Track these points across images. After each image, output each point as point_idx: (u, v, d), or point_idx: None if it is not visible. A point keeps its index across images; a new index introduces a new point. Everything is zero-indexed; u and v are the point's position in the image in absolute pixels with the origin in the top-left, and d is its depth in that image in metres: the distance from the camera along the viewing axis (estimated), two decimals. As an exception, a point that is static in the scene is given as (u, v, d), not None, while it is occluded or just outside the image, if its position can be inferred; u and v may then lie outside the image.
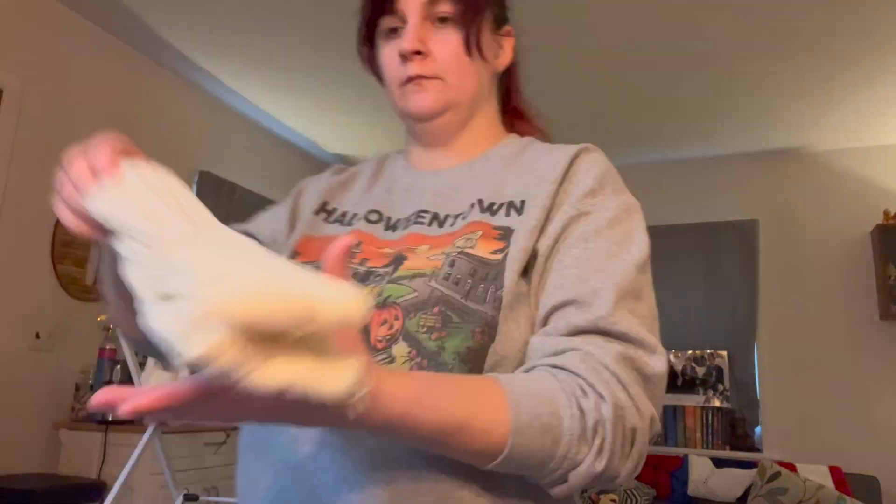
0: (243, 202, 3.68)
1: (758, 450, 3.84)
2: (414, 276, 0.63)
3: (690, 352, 4.06)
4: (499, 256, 0.64)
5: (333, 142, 4.19)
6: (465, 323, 0.60)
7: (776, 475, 3.37)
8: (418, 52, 0.71)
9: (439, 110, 0.73)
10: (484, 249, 0.64)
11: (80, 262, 2.76)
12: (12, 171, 2.52)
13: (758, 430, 3.89)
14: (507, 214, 0.68)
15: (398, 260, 0.67)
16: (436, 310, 0.60)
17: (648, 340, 0.59)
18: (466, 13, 0.71)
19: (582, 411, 0.54)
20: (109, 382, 2.55)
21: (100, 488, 2.30)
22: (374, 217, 0.75)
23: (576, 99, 3.46)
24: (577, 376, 0.56)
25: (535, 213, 0.66)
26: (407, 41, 0.70)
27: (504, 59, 0.80)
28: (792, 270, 3.97)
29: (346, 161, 4.53)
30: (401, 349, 0.60)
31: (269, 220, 0.85)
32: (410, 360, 0.59)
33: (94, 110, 2.89)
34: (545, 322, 0.62)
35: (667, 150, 4.16)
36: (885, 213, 3.69)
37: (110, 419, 2.52)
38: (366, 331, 0.62)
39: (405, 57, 0.71)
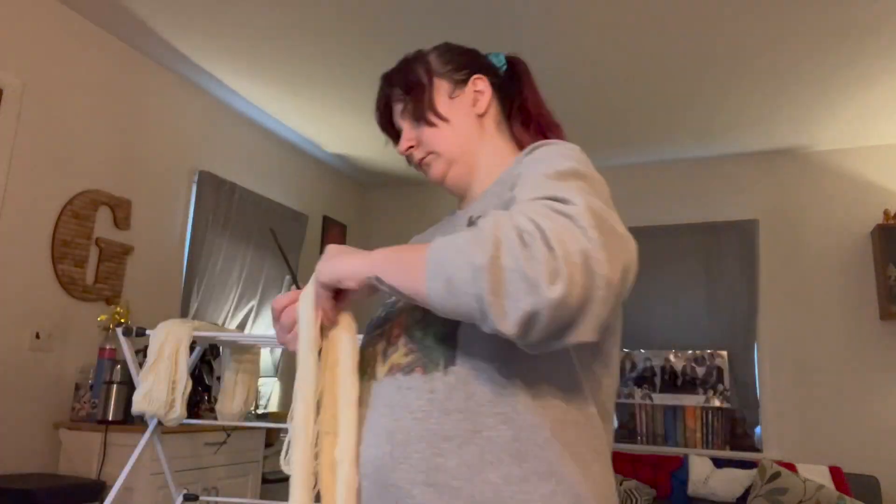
0: (243, 202, 3.68)
1: (758, 450, 3.84)
2: None
3: (690, 352, 4.06)
4: None
5: (333, 142, 4.19)
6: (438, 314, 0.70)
7: (776, 475, 3.37)
8: (411, 147, 0.96)
9: (445, 172, 0.96)
10: None
11: (80, 262, 2.76)
12: (12, 171, 2.52)
13: (758, 430, 3.89)
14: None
15: None
16: (421, 307, 0.76)
17: (566, 196, 0.64)
18: (416, 104, 0.95)
19: (493, 234, 0.61)
20: (110, 382, 2.55)
21: (100, 488, 2.30)
22: None
23: (577, 99, 3.46)
24: (498, 216, 0.63)
25: (490, 209, 0.81)
26: (400, 145, 0.98)
27: (482, 102, 0.97)
28: (792, 271, 3.97)
29: (345, 161, 4.53)
30: (402, 340, 0.80)
31: None
32: (405, 346, 0.79)
33: (94, 110, 2.89)
34: None
35: (667, 150, 4.16)
36: (885, 213, 3.69)
37: (110, 419, 2.53)
38: (389, 333, 0.83)
39: (407, 155, 0.98)
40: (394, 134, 1.02)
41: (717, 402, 3.95)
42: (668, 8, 2.62)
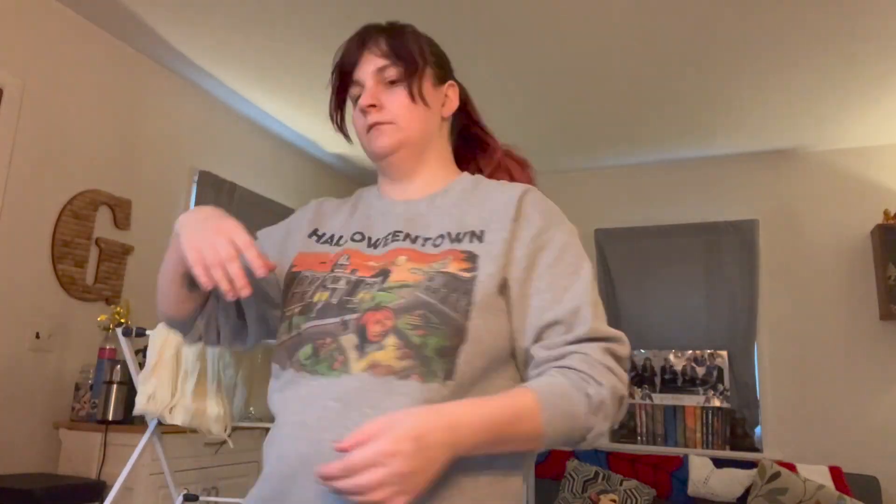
0: (243, 202, 3.68)
1: (758, 450, 3.84)
2: (401, 287, 0.82)
3: (690, 352, 4.06)
4: (468, 275, 0.83)
5: (333, 142, 4.19)
6: (441, 325, 0.79)
7: (776, 475, 3.37)
8: (373, 105, 0.93)
9: (395, 147, 0.95)
10: (455, 268, 0.84)
11: (80, 262, 2.76)
12: (12, 171, 2.52)
13: (758, 430, 3.89)
14: (471, 241, 0.87)
15: (384, 273, 0.85)
16: (419, 312, 0.79)
17: (615, 334, 0.83)
18: (407, 72, 0.94)
19: (588, 396, 0.78)
20: (110, 382, 2.55)
21: (100, 488, 2.30)
22: (358, 237, 0.96)
23: (577, 99, 3.46)
24: (581, 372, 0.79)
25: (498, 244, 0.86)
26: (364, 98, 0.94)
27: (450, 106, 1.01)
28: (792, 270, 3.98)
29: (345, 161, 4.54)
30: (391, 341, 0.78)
31: (265, 241, 1.08)
32: (398, 349, 0.78)
33: (94, 110, 2.89)
34: (539, 338, 0.84)
35: (667, 150, 4.16)
36: (885, 213, 3.69)
37: (110, 419, 2.52)
38: (363, 328, 0.80)
39: (365, 111, 0.94)
40: (346, 78, 0.98)
41: (717, 402, 3.95)
42: (669, 8, 2.62)
